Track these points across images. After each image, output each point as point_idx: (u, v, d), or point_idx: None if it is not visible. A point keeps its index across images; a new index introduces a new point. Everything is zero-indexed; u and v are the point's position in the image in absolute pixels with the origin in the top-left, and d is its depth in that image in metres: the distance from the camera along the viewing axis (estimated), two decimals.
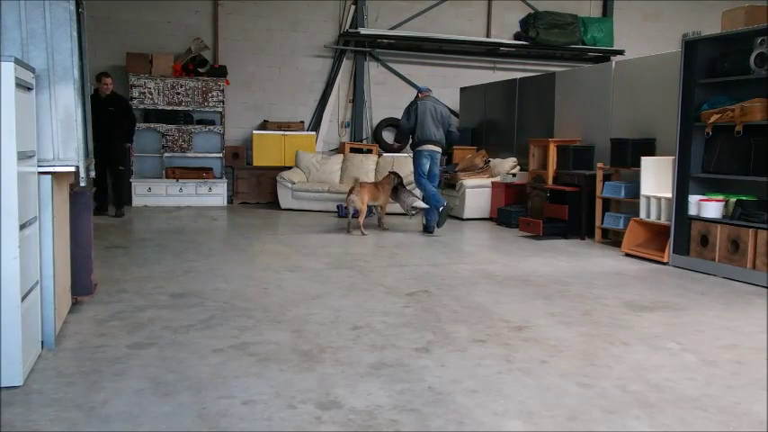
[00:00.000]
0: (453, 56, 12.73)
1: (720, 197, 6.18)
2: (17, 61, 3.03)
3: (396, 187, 8.55)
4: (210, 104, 11.01)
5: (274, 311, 4.46)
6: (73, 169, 3.68)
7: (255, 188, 11.37)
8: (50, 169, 3.58)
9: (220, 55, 11.53)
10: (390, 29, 12.27)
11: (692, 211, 6.28)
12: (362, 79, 12.28)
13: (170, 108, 10.83)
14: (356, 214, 8.10)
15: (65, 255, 4.05)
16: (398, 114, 12.51)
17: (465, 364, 3.49)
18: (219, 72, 11.13)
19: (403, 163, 10.67)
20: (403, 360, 3.53)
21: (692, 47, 6.26)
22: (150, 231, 8.15)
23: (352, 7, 12.11)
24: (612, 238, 7.70)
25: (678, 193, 6.35)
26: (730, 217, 5.97)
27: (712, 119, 6.05)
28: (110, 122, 8.88)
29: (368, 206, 8.41)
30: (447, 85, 12.69)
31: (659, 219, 6.70)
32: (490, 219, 9.61)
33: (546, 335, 4.05)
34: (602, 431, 2.74)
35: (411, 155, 11.01)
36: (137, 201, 10.55)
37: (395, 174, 8.65)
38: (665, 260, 6.45)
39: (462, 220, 9.67)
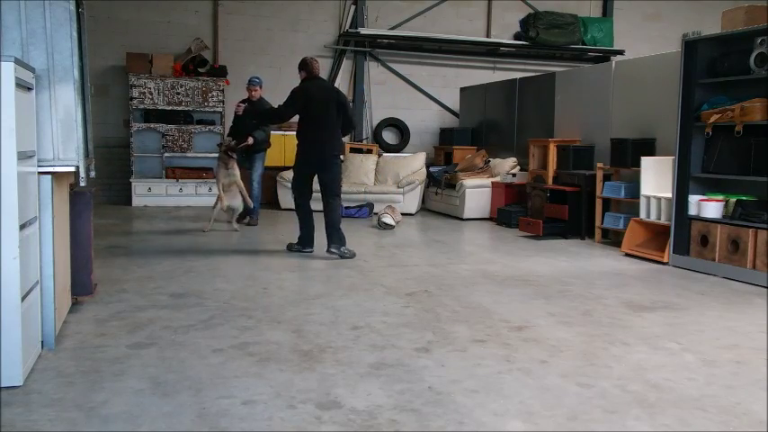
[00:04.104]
0: (453, 56, 12.73)
1: (720, 197, 6.18)
2: (17, 61, 3.03)
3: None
4: (210, 104, 11.00)
5: (274, 311, 4.46)
6: (73, 169, 3.68)
7: None
8: (50, 169, 3.58)
9: (220, 55, 11.53)
10: (390, 29, 12.27)
11: (692, 211, 6.28)
12: (362, 79, 12.28)
13: (170, 108, 10.82)
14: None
15: (65, 255, 4.05)
16: (398, 114, 12.60)
17: (465, 364, 3.49)
18: (219, 72, 11.12)
19: (402, 163, 10.68)
20: (403, 360, 3.53)
21: (691, 47, 6.26)
22: (150, 231, 8.14)
23: (352, 7, 12.11)
24: (612, 238, 7.70)
25: (678, 193, 6.35)
26: (730, 217, 5.97)
27: (712, 119, 6.05)
28: None
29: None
30: (447, 85, 12.72)
31: (659, 219, 6.70)
32: (490, 219, 9.61)
33: (546, 335, 4.05)
34: (602, 431, 2.74)
35: (403, 156, 11.05)
36: (136, 201, 10.55)
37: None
38: (665, 260, 6.45)
39: (462, 220, 9.67)
